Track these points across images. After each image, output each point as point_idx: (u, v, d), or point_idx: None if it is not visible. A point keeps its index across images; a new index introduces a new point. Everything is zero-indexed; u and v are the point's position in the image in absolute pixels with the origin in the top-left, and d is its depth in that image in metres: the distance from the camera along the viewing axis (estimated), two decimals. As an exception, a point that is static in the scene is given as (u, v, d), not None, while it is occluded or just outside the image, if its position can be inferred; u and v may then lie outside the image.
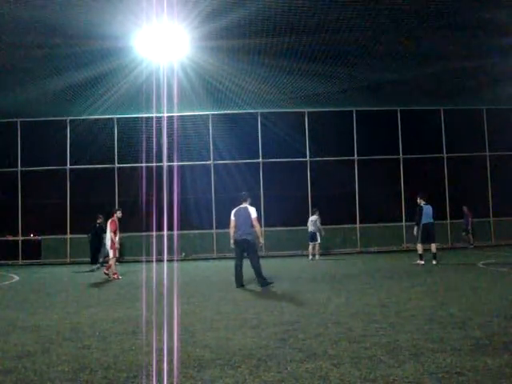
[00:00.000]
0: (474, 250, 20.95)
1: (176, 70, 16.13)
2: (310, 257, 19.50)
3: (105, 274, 14.43)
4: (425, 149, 24.29)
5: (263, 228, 22.60)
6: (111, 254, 14.34)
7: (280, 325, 6.56)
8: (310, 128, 23.33)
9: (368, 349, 5.15)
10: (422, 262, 15.20)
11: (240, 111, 22.74)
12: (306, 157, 23.45)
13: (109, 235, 14.40)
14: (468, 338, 5.42)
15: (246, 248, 11.34)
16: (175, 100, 18.44)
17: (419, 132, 24.05)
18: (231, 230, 11.57)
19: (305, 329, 6.28)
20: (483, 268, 13.67)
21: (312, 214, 20.01)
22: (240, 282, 11.24)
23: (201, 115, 22.91)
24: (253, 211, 11.42)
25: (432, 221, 15.59)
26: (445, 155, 24.36)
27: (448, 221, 23.79)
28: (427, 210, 15.61)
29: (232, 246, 11.59)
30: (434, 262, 15.11)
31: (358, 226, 23.44)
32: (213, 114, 22.99)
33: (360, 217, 23.44)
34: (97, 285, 13.03)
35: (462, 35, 15.09)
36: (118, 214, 14.68)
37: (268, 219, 22.77)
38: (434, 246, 15.48)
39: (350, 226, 23.52)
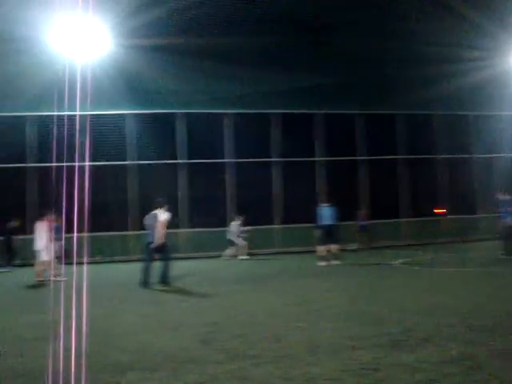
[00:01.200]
0: (369, 250, 21.12)
1: (94, 67, 15.71)
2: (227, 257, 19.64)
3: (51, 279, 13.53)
4: (341, 152, 24.91)
5: (184, 229, 22.51)
6: (43, 257, 13.63)
7: (201, 326, 6.53)
8: (230, 129, 23.33)
9: (287, 347, 5.22)
10: (324, 264, 15.26)
11: (160, 111, 22.42)
12: (226, 158, 23.45)
13: (43, 237, 13.76)
14: (385, 335, 5.59)
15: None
16: (90, 98, 17.94)
17: (335, 135, 24.61)
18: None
19: (225, 330, 6.28)
20: (399, 267, 14.13)
21: (233, 221, 20.20)
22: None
23: (119, 114, 22.42)
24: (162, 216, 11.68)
25: (332, 222, 15.73)
26: (359, 158, 25.05)
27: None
28: (326, 211, 15.80)
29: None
30: (336, 263, 15.24)
31: (278, 226, 23.65)
32: (131, 114, 22.53)
33: (280, 217, 23.66)
34: (11, 289, 12.53)
35: (375, 41, 15.56)
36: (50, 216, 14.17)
37: (189, 220, 22.63)
38: (333, 247, 15.69)
39: (270, 226, 23.69)
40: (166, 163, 22.87)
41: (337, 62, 17.55)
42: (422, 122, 25.93)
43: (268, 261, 18.78)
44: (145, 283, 11.33)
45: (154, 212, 11.85)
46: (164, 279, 11.52)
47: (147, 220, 11.99)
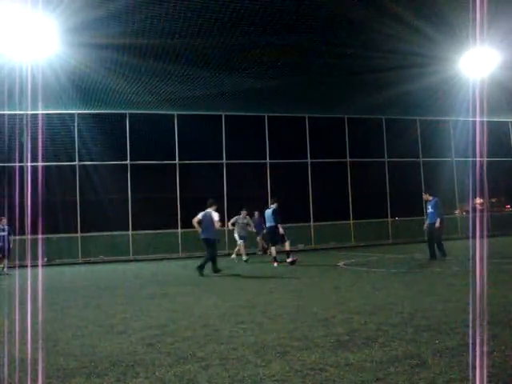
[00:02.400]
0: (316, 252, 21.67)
1: (41, 65, 15.35)
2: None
3: None
4: (291, 154, 25.15)
5: (131, 231, 22.26)
6: None
7: (148, 329, 6.46)
8: (180, 131, 23.22)
9: (236, 349, 5.22)
10: (275, 265, 15.68)
11: (108, 111, 22.10)
12: (175, 159, 23.31)
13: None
14: (330, 335, 5.65)
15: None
16: (40, 97, 17.54)
17: (285, 137, 24.85)
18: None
19: (173, 332, 6.23)
20: (344, 268, 14.32)
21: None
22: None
23: (67, 114, 21.98)
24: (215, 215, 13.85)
25: (271, 224, 16.18)
26: (309, 160, 25.34)
27: (312, 223, 24.74)
28: (267, 213, 16.38)
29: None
30: (275, 265, 15.69)
31: (226, 228, 23.65)
32: (79, 113, 22.14)
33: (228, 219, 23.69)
34: None
35: (325, 45, 15.75)
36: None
37: (136, 222, 22.39)
38: (273, 249, 16.23)
39: (222, 228, 23.66)
40: (114, 164, 22.57)
41: (286, 65, 17.67)
42: (372, 126, 26.47)
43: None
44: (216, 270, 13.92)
45: (207, 210, 14.06)
46: (200, 268, 13.59)
47: (202, 217, 14.09)
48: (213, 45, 14.95)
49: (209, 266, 13.92)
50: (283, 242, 16.12)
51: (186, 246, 21.80)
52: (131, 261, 21.37)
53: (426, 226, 15.53)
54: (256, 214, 21.22)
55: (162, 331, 6.32)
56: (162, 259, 21.65)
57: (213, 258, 14.09)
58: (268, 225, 16.35)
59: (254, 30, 14.15)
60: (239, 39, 14.64)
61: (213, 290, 10.59)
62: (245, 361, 4.77)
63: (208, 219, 13.89)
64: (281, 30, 14.36)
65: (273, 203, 16.49)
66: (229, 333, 6.06)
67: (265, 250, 20.76)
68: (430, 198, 15.53)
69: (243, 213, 19.23)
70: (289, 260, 15.73)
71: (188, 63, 16.26)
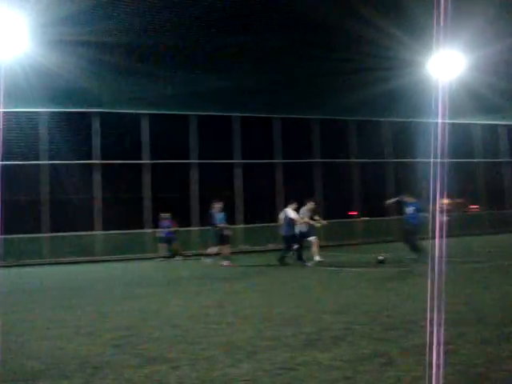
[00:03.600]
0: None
1: (8, 63, 15.05)
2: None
3: None
4: (258, 154, 25.21)
5: (102, 231, 22.02)
6: None
7: (116, 330, 6.40)
8: (148, 130, 23.02)
9: (205, 350, 5.21)
10: (225, 263, 16.17)
11: (76, 110, 21.77)
12: (142, 159, 23.11)
13: None
14: (300, 334, 5.68)
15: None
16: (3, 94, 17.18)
17: (253, 138, 24.90)
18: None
19: (142, 333, 6.19)
20: (313, 268, 14.40)
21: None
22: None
23: (33, 112, 21.56)
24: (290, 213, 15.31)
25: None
26: (276, 161, 25.42)
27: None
28: (218, 215, 16.86)
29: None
30: (225, 264, 16.16)
31: (194, 228, 23.56)
32: (46, 112, 21.71)
33: (200, 219, 23.60)
34: None
35: (294, 47, 15.82)
36: None
37: (104, 222, 22.15)
38: (217, 249, 16.77)
39: (187, 228, 23.55)
40: (82, 163, 22.28)
41: (256, 66, 17.70)
42: (338, 127, 26.67)
43: (187, 262, 18.67)
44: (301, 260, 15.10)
45: (285, 209, 15.76)
46: (281, 260, 15.21)
47: (281, 215, 16.12)
48: (181, 43, 14.86)
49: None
50: (224, 243, 16.65)
51: (155, 247, 21.56)
52: (99, 261, 21.10)
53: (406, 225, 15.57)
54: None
55: (130, 332, 6.27)
56: (131, 260, 21.42)
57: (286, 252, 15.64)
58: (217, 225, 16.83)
59: (220, 28, 14.11)
60: (205, 37, 14.56)
61: (183, 290, 10.55)
62: (214, 361, 4.77)
63: (286, 217, 15.55)
64: (245, 29, 14.34)
65: (216, 204, 16.89)
66: (198, 333, 6.05)
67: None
68: (412, 199, 15.67)
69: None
70: (225, 263, 16.21)
71: (157, 62, 16.12)
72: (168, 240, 20.44)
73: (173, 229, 20.59)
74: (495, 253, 15.17)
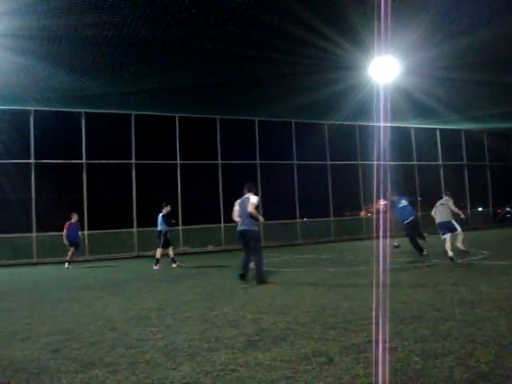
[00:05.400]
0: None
1: None
2: None
3: None
4: (202, 155, 25.17)
5: (37, 233, 21.45)
6: None
7: (53, 335, 6.24)
8: (86, 129, 22.61)
9: (145, 353, 5.14)
10: (157, 267, 16.17)
11: (11, 107, 21.12)
12: (82, 159, 22.66)
13: None
14: (240, 335, 5.68)
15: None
16: None
17: (194, 139, 24.82)
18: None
19: (80, 337, 6.05)
20: (253, 268, 14.41)
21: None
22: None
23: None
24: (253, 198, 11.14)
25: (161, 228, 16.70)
26: (219, 162, 25.43)
27: (222, 224, 24.80)
28: (158, 218, 16.81)
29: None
30: (174, 265, 16.36)
31: (135, 230, 23.30)
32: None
33: (138, 221, 23.34)
34: None
35: (237, 49, 15.85)
36: None
37: (41, 224, 21.59)
38: (159, 251, 16.76)
39: (127, 230, 23.27)
40: (17, 163, 21.64)
41: (197, 67, 17.63)
42: (281, 129, 26.92)
43: (124, 265, 18.40)
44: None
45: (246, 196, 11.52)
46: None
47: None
48: (124, 42, 14.64)
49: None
50: (168, 246, 16.78)
51: (94, 249, 21.22)
52: (35, 264, 20.59)
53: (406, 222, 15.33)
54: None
55: (67, 336, 6.12)
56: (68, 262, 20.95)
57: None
58: (160, 228, 16.73)
59: (165, 27, 13.98)
60: (143, 35, 14.37)
61: (121, 293, 10.38)
62: (154, 364, 4.71)
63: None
64: (185, 28, 14.24)
65: (164, 207, 16.77)
66: (138, 336, 5.97)
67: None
68: (396, 197, 15.88)
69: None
70: (174, 265, 16.41)
71: (96, 57, 15.80)
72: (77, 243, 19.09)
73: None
74: (430, 253, 15.57)
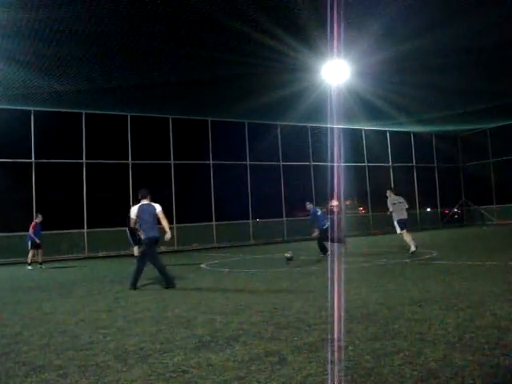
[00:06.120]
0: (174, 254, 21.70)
1: None
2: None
3: None
4: (154, 155, 25.01)
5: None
6: None
7: (1, 338, 6.10)
8: (36, 127, 22.13)
9: (96, 355, 5.07)
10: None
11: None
12: (31, 158, 22.17)
13: None
14: (193, 337, 5.66)
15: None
16: None
17: (148, 138, 24.65)
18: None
19: (28, 340, 5.93)
20: (206, 269, 14.42)
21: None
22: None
23: None
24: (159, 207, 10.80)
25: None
26: (172, 162, 25.29)
27: (175, 225, 24.68)
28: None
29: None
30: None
31: (85, 230, 22.94)
32: None
33: (88, 221, 22.99)
34: None
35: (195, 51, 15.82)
36: None
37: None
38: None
39: (77, 230, 22.88)
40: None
41: (151, 68, 17.50)
42: (234, 130, 26.98)
43: (72, 267, 18.08)
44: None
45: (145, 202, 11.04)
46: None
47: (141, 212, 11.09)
48: (85, 39, 14.41)
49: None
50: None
51: (45, 250, 20.78)
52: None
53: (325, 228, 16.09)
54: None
55: (16, 339, 5.99)
56: (16, 264, 20.48)
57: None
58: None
59: (113, 22, 13.80)
60: (96, 31, 14.17)
61: (71, 295, 10.20)
62: (105, 367, 4.65)
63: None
64: (137, 28, 14.12)
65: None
66: (88, 339, 5.88)
67: None
68: (311, 207, 16.55)
69: None
70: None
71: (51, 56, 15.49)
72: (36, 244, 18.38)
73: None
74: (381, 253, 15.85)
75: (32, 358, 5.12)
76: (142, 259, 10.81)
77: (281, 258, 15.78)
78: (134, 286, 10.47)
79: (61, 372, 4.55)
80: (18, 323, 7.13)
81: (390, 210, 15.88)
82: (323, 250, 15.92)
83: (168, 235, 10.70)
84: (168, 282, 10.48)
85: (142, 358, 4.90)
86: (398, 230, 15.68)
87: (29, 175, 22.01)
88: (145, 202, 10.89)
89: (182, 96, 21.45)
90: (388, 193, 16.40)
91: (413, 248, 15.05)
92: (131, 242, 16.76)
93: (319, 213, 16.26)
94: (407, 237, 15.42)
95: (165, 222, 10.80)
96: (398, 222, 15.62)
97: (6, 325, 7.05)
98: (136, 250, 16.33)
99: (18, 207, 21.97)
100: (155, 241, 10.77)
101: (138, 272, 10.63)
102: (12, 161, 22.01)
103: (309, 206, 16.75)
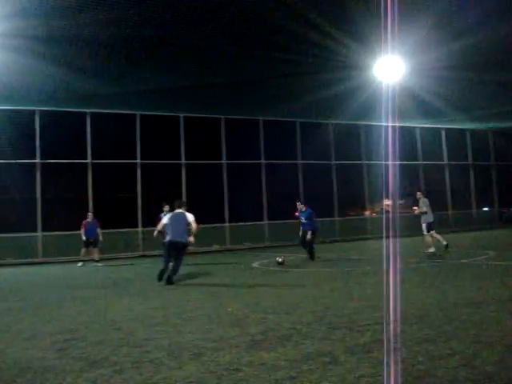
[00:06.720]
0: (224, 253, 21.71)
1: None
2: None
3: None
4: (206, 155, 25.21)
5: (42, 233, 21.48)
6: None
7: (58, 334, 6.26)
8: (91, 129, 22.61)
9: (149, 352, 5.15)
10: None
11: (17, 107, 21.06)
12: (87, 158, 22.64)
13: None
14: (245, 335, 5.68)
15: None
16: None
17: (199, 138, 24.83)
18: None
19: (85, 337, 6.07)
20: (259, 268, 14.45)
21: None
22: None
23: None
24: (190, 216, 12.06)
25: None
26: (224, 162, 25.44)
27: (227, 224, 24.82)
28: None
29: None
30: None
31: (140, 229, 23.29)
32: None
33: (142, 220, 23.32)
34: None
35: (242, 49, 15.86)
36: None
37: (46, 223, 21.61)
38: None
39: (132, 229, 23.25)
40: (22, 163, 21.64)
41: (200, 66, 17.62)
42: (285, 129, 26.91)
43: (126, 265, 18.39)
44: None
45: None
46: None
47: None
48: (130, 42, 14.64)
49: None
50: None
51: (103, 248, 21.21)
52: (41, 263, 20.59)
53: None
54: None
55: (72, 336, 6.14)
56: (72, 262, 20.96)
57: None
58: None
59: (169, 28, 13.98)
60: (152, 34, 14.37)
61: (126, 292, 10.40)
62: (159, 363, 4.72)
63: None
64: (189, 28, 14.23)
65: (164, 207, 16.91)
66: (142, 335, 5.98)
67: None
68: (304, 208, 16.15)
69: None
70: None
71: (105, 60, 15.81)
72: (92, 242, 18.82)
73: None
74: (436, 253, 15.56)
75: (88, 353, 5.23)
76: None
77: (331, 258, 15.71)
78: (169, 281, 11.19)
79: (116, 368, 4.63)
80: (75, 320, 7.31)
81: (425, 210, 16.23)
82: (313, 254, 15.63)
83: (190, 239, 11.93)
84: (169, 279, 11.17)
85: (195, 355, 4.94)
86: (426, 232, 16.10)
87: (84, 175, 22.48)
88: (179, 210, 12.23)
89: (233, 96, 21.52)
90: (419, 195, 16.86)
91: (432, 249, 15.49)
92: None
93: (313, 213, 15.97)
94: (434, 238, 16.04)
95: (194, 229, 12.02)
96: (429, 223, 16.12)
97: (63, 321, 7.23)
98: None
99: (75, 207, 22.48)
100: (171, 243, 11.79)
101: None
102: (69, 162, 22.52)
103: (300, 205, 16.23)
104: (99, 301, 9.25)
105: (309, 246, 15.71)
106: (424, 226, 16.15)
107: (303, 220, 15.89)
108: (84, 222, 18.77)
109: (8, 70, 15.93)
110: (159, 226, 12.98)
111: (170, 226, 11.97)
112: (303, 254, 16.05)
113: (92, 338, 6.00)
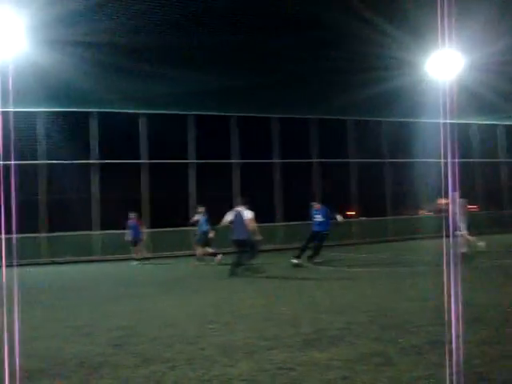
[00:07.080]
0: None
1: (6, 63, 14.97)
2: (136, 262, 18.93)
3: None
4: (257, 154, 25.25)
5: (99, 231, 21.95)
6: None
7: (114, 330, 6.39)
8: (145, 130, 22.98)
9: (203, 349, 5.19)
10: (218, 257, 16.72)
11: (72, 109, 21.61)
12: (140, 159, 23.03)
13: None
14: (298, 334, 5.67)
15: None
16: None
17: (251, 138, 24.89)
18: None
19: (139, 333, 6.18)
20: (311, 267, 14.38)
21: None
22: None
23: (30, 112, 21.43)
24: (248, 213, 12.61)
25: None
26: (277, 161, 25.46)
27: (279, 223, 24.81)
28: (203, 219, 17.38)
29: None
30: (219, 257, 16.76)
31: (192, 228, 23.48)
32: (43, 112, 21.57)
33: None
34: None
35: (291, 47, 15.82)
36: None
37: (102, 222, 22.10)
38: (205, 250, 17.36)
39: (183, 228, 23.47)
40: (78, 163, 22.17)
41: (252, 65, 17.66)
42: (335, 127, 26.67)
43: (178, 264, 18.56)
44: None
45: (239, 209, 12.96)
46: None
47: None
48: (181, 42, 14.82)
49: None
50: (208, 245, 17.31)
51: (156, 246, 21.49)
52: (98, 261, 21.05)
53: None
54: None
55: (128, 332, 6.25)
56: (126, 260, 21.33)
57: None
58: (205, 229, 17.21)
59: (217, 27, 14.07)
60: (202, 36, 14.50)
61: (180, 290, 10.53)
62: (212, 361, 4.75)
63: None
64: (242, 28, 14.29)
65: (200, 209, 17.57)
66: (196, 333, 6.04)
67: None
68: (318, 205, 15.89)
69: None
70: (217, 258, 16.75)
71: (155, 61, 16.07)
72: (135, 241, 19.34)
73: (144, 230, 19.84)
74: (495, 253, 15.16)
75: (142, 350, 5.32)
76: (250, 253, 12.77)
77: (385, 257, 15.51)
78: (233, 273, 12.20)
79: (169, 364, 4.70)
80: (129, 317, 7.44)
81: (462, 211, 16.26)
82: (317, 255, 15.35)
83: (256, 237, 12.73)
84: (232, 271, 12.21)
85: (248, 353, 4.96)
86: (465, 231, 16.00)
87: (138, 175, 22.86)
88: (239, 208, 12.81)
89: (283, 94, 21.45)
90: (455, 195, 16.41)
91: (465, 249, 15.46)
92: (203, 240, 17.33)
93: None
94: (469, 238, 16.07)
95: (251, 227, 12.52)
96: (466, 224, 16.19)
97: (119, 318, 7.38)
98: (206, 249, 17.16)
99: (130, 206, 22.88)
100: (236, 242, 12.72)
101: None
102: (129, 162, 22.93)
103: (316, 205, 15.93)
104: (153, 298, 9.40)
105: (316, 248, 15.48)
106: (463, 225, 16.07)
107: (320, 219, 15.56)
108: (128, 221, 19.21)
109: (65, 74, 16.36)
110: (223, 222, 13.43)
111: (234, 224, 12.71)
112: (357, 254, 15.88)
113: (146, 334, 6.10)
